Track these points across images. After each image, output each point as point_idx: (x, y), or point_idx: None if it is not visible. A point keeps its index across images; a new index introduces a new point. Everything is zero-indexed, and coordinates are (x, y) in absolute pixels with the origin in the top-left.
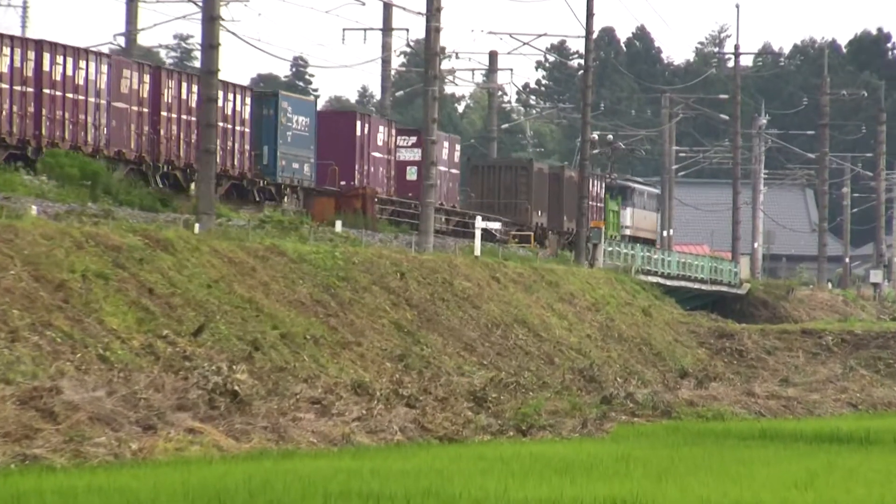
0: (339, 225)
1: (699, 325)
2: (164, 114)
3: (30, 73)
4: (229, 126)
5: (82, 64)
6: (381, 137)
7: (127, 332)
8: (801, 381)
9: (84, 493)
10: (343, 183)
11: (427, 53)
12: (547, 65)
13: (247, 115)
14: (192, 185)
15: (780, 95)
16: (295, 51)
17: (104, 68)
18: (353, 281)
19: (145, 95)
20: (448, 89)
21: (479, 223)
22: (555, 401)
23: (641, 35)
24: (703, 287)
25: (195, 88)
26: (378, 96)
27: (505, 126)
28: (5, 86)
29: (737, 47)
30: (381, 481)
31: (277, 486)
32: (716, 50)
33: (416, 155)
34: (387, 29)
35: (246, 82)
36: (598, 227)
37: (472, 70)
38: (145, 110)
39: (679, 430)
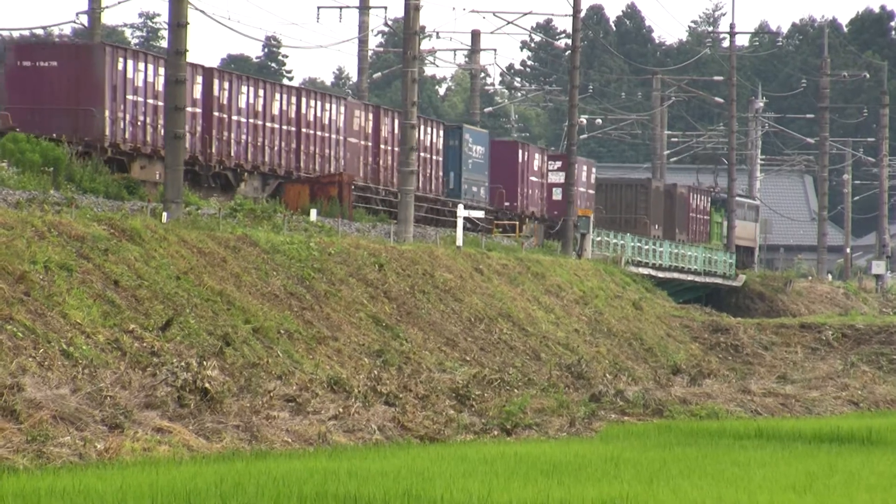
0: (314, 214)
1: (692, 319)
2: (382, 146)
3: (292, 115)
4: (428, 155)
5: (328, 106)
6: (536, 163)
7: (92, 326)
8: (800, 377)
9: (47, 495)
10: (507, 203)
11: (406, 33)
12: (532, 45)
13: (440, 146)
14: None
15: (778, 77)
16: (267, 30)
17: (342, 109)
18: (328, 273)
19: (370, 131)
20: (428, 70)
21: (461, 211)
22: (541, 398)
23: (632, 13)
24: (697, 279)
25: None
26: (354, 78)
27: (488, 109)
28: (276, 125)
29: (732, 26)
30: (359, 483)
31: (250, 488)
32: (710, 29)
33: (560, 178)
34: (363, 7)
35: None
36: (586, 215)
37: (454, 50)
38: (368, 144)
39: (671, 429)
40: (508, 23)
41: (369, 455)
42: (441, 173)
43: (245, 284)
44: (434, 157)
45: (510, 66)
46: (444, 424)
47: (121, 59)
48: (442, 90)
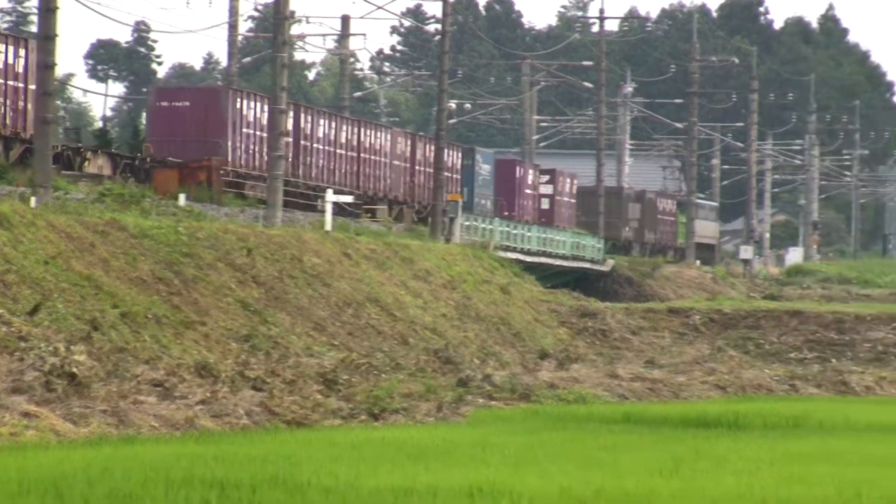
0: (182, 198)
1: (560, 304)
2: (423, 167)
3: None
4: (450, 175)
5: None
6: (529, 178)
7: None
8: (668, 362)
9: None
10: (506, 213)
11: (276, 18)
12: (402, 30)
13: (459, 167)
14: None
15: (647, 62)
16: (137, 15)
17: (388, 136)
18: (197, 257)
19: (408, 154)
20: (298, 56)
21: (330, 196)
22: (409, 383)
23: None
24: (565, 263)
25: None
26: (224, 63)
27: (358, 94)
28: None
29: (601, 11)
30: (227, 467)
31: (117, 472)
32: (579, 14)
33: (549, 189)
34: None
35: (86, 48)
36: (455, 200)
37: (324, 35)
38: (407, 165)
39: (539, 414)
40: (378, 8)
41: (236, 440)
42: (459, 189)
43: (113, 269)
44: (454, 176)
45: (380, 51)
46: (311, 409)
47: (238, 99)
48: (312, 75)
